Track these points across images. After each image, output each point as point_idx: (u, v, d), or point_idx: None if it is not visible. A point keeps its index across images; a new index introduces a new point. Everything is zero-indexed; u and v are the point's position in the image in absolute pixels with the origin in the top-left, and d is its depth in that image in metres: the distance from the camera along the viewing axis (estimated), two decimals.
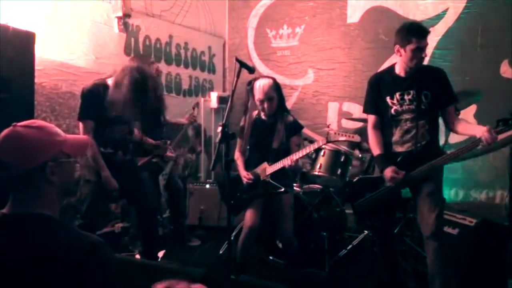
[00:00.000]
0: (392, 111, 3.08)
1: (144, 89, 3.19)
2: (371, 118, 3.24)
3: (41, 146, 1.45)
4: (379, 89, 3.16)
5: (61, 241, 1.37)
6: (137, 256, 3.86)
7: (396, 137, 3.11)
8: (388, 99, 3.09)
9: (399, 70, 3.08)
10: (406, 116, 3.05)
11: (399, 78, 3.07)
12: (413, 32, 2.94)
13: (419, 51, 2.94)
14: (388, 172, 3.02)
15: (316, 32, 5.87)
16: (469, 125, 3.04)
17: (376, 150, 3.17)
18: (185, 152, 5.78)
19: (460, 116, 3.17)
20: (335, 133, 3.15)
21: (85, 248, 1.36)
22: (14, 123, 1.46)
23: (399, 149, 3.10)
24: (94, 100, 3.23)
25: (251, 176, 3.45)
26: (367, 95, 3.28)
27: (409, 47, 2.93)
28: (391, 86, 3.09)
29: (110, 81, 3.28)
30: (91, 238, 1.42)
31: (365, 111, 3.32)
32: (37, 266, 1.31)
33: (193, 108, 4.96)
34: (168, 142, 4.05)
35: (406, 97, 3.03)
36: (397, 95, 3.05)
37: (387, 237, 3.32)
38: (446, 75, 3.08)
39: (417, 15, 5.15)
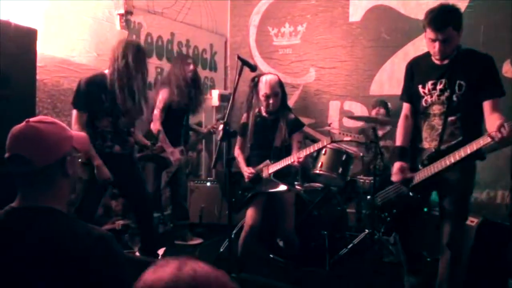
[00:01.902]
0: (423, 102, 2.79)
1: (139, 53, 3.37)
2: (404, 106, 2.99)
3: (59, 141, 1.49)
4: (412, 76, 2.89)
5: (70, 234, 1.39)
6: (137, 254, 3.86)
7: (423, 132, 2.83)
8: (420, 87, 2.79)
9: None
10: (436, 109, 2.75)
11: (434, 65, 2.75)
12: (428, 21, 2.61)
13: (435, 42, 2.61)
14: (396, 167, 2.82)
15: (318, 31, 5.86)
16: (491, 121, 2.52)
17: (398, 140, 2.94)
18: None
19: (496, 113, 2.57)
20: (340, 133, 3.10)
21: (94, 241, 1.39)
22: (27, 119, 1.48)
23: (426, 145, 2.82)
24: (92, 91, 3.29)
25: (253, 171, 3.45)
26: (404, 81, 3.00)
27: (426, 35, 2.66)
28: (425, 74, 2.79)
29: (107, 71, 3.38)
30: (99, 231, 1.45)
31: (400, 97, 3.04)
32: (46, 258, 1.33)
33: (217, 121, 4.97)
34: (159, 144, 4.06)
35: (438, 87, 2.71)
36: (429, 84, 2.74)
37: (405, 233, 3.04)
38: (493, 63, 2.67)
39: (419, 14, 5.10)
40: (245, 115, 3.61)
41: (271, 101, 3.39)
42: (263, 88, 3.38)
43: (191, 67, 4.48)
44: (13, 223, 1.42)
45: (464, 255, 3.36)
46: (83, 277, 1.33)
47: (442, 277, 2.82)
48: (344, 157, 4.27)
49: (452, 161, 2.55)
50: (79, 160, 1.62)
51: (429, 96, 2.76)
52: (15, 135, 1.46)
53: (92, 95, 3.28)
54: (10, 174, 1.45)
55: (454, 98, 2.66)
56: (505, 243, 3.41)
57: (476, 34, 4.80)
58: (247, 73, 3.09)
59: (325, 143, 3.22)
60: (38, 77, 3.53)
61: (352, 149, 4.46)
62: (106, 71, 3.40)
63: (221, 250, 4.15)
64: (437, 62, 2.74)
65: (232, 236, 3.11)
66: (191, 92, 4.43)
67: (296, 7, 6.01)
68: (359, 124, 5.22)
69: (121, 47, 3.36)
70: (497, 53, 4.65)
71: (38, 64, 3.50)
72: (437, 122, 2.76)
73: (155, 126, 4.28)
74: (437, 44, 2.62)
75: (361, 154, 4.51)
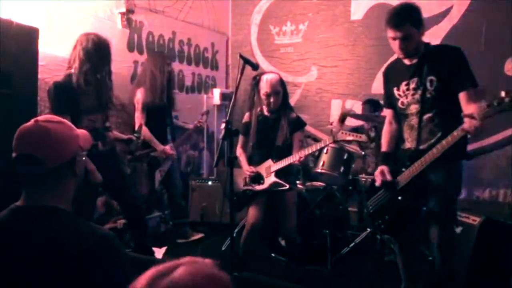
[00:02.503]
0: (400, 103, 2.80)
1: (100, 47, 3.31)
2: (387, 113, 3.03)
3: (69, 141, 1.49)
4: (388, 80, 2.94)
5: (74, 233, 1.39)
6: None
7: (404, 133, 2.84)
8: (395, 90, 2.82)
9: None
10: (413, 109, 2.74)
11: (405, 66, 2.77)
12: (387, 20, 2.64)
13: (396, 41, 2.63)
14: (378, 170, 2.86)
15: (320, 29, 5.86)
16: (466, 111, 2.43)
17: (382, 146, 3.01)
18: (187, 149, 5.79)
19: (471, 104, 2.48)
20: (342, 132, 3.10)
21: (98, 240, 1.39)
22: (35, 119, 1.48)
23: (407, 146, 2.82)
24: (67, 92, 3.23)
25: (253, 169, 3.45)
26: (383, 87, 3.05)
27: (388, 35, 2.67)
28: (398, 76, 2.82)
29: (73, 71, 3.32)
30: (103, 230, 1.45)
31: (383, 104, 3.09)
32: (51, 257, 1.33)
33: (202, 115, 4.99)
34: (141, 138, 4.04)
35: (411, 86, 2.72)
36: (403, 85, 2.76)
37: (401, 237, 2.99)
38: (461, 54, 2.64)
39: (422, 12, 5.12)
40: (247, 114, 3.61)
41: (272, 100, 3.39)
42: (264, 87, 3.38)
43: (170, 68, 4.49)
44: (18, 221, 1.41)
45: (466, 254, 3.37)
46: (86, 275, 1.33)
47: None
48: (345, 156, 4.26)
49: (432, 157, 2.55)
50: (83, 158, 1.61)
51: (404, 97, 2.77)
52: (24, 135, 1.45)
53: (68, 97, 3.21)
54: (13, 173, 1.44)
55: (428, 95, 2.65)
56: (507, 241, 3.40)
57: (477, 33, 4.80)
58: (249, 72, 3.09)
59: (327, 143, 3.22)
60: (39, 76, 3.53)
61: (354, 147, 4.45)
62: (73, 71, 3.34)
63: (223, 249, 4.15)
64: (407, 62, 2.75)
65: (234, 235, 3.11)
66: (167, 91, 4.43)
67: (297, 6, 6.00)
68: (361, 122, 5.21)
69: (80, 42, 3.32)
70: (499, 52, 4.70)
71: (40, 63, 3.49)
72: (415, 121, 2.75)
73: (139, 126, 4.27)
74: (397, 42, 2.65)
75: (363, 153, 4.50)
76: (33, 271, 1.32)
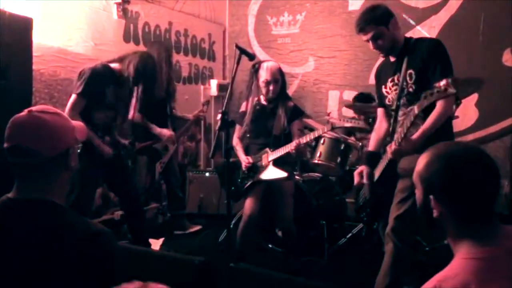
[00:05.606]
0: (387, 100, 2.82)
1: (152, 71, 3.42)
2: (378, 112, 3.02)
3: (64, 132, 1.47)
4: (378, 79, 2.95)
5: (68, 228, 1.37)
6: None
7: (391, 127, 2.82)
8: (383, 88, 2.83)
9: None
10: (397, 104, 2.73)
11: (389, 63, 2.81)
12: (354, 26, 2.73)
13: (369, 43, 2.71)
14: (358, 169, 2.88)
15: (317, 20, 5.82)
16: (437, 107, 2.49)
17: (370, 146, 3.00)
18: (184, 140, 5.77)
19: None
20: (340, 120, 3.10)
21: (92, 236, 1.37)
22: (29, 109, 1.45)
23: (388, 139, 2.81)
24: (99, 81, 3.24)
25: (250, 160, 3.44)
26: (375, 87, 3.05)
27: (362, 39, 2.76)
28: (384, 74, 2.85)
29: (113, 66, 3.34)
30: (98, 226, 1.43)
31: (377, 103, 3.12)
32: (42, 251, 1.31)
33: (203, 105, 4.98)
34: (136, 144, 4.05)
35: (395, 82, 2.74)
36: (389, 82, 2.78)
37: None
38: (437, 45, 2.63)
39: (419, 2, 5.10)
40: (244, 103, 3.59)
41: (271, 88, 3.37)
42: (264, 75, 3.36)
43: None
44: (10, 214, 1.39)
45: None
46: (77, 271, 1.31)
47: (385, 267, 2.70)
48: (342, 147, 4.25)
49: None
50: (78, 150, 1.59)
51: (390, 94, 2.79)
52: (17, 125, 1.42)
53: (96, 85, 3.23)
54: (5, 164, 1.42)
55: (410, 89, 2.64)
56: None
57: (476, 23, 4.78)
58: (246, 63, 3.07)
59: (325, 130, 3.21)
60: (34, 67, 3.51)
61: (351, 138, 4.45)
62: (113, 65, 3.35)
63: (220, 240, 4.15)
64: (391, 59, 2.79)
65: (231, 226, 3.11)
66: (168, 81, 4.44)
67: None
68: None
69: (142, 60, 3.38)
70: (497, 42, 4.69)
71: (35, 53, 3.47)
72: (399, 115, 2.75)
73: (133, 115, 4.23)
74: (370, 43, 2.72)
75: (360, 143, 4.49)
76: (24, 265, 1.31)
